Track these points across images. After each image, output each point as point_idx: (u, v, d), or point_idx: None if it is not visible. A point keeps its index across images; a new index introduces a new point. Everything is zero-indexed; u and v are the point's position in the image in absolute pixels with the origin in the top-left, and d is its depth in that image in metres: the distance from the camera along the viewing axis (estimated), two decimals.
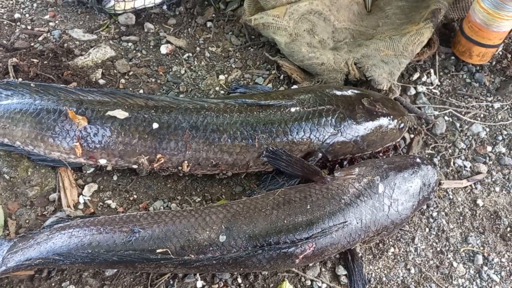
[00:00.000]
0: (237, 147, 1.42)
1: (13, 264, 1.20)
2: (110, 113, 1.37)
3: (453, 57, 1.96)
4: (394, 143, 1.61)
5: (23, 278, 1.27)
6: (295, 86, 1.76)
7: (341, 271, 1.40)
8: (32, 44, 1.76)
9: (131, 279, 1.30)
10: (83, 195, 1.43)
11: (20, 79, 1.52)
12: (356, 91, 1.58)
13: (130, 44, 1.84)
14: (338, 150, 1.50)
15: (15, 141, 1.41)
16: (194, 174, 1.50)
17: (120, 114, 1.37)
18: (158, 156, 1.39)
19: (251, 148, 1.42)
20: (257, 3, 1.78)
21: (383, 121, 1.53)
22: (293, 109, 1.46)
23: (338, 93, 1.55)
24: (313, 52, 1.70)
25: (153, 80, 1.75)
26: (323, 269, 1.41)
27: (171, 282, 1.32)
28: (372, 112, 1.52)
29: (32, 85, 1.45)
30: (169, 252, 1.19)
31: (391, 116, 1.55)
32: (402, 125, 1.57)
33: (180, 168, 1.43)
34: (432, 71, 1.91)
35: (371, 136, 1.51)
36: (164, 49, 1.83)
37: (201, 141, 1.40)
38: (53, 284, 1.27)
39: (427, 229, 1.53)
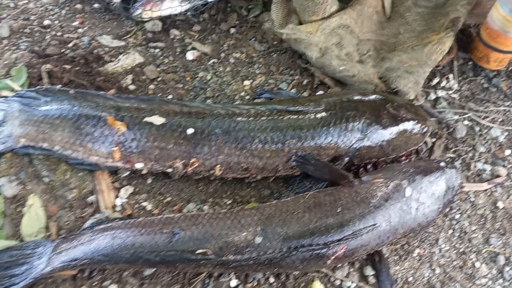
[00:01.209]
0: (267, 152, 1.47)
1: (59, 264, 1.25)
2: (147, 119, 1.42)
3: (470, 63, 2.01)
4: (417, 147, 1.66)
5: (66, 278, 1.32)
6: (320, 92, 1.81)
7: (369, 271, 1.45)
8: (63, 50, 1.81)
9: (169, 278, 1.36)
10: (119, 198, 1.49)
11: (59, 86, 1.57)
12: (380, 97, 1.63)
13: (157, 50, 1.89)
14: (364, 155, 1.55)
15: (54, 146, 1.46)
16: (225, 178, 1.54)
17: (157, 120, 1.42)
18: (192, 160, 1.45)
19: (281, 152, 1.47)
20: (285, 13, 1.82)
21: (407, 126, 1.58)
22: (321, 115, 1.51)
23: (364, 98, 1.60)
24: (343, 64, 1.76)
25: (181, 85, 1.80)
26: (351, 270, 1.46)
27: (207, 281, 1.37)
28: (397, 118, 1.57)
29: (71, 91, 1.51)
30: (209, 252, 1.24)
31: (415, 121, 1.60)
32: (425, 129, 1.62)
33: (212, 172, 1.48)
34: (451, 76, 1.96)
35: (396, 141, 1.56)
36: (190, 55, 1.88)
37: (233, 146, 1.45)
38: (95, 283, 1.32)
39: (450, 231, 1.58)
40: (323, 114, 1.51)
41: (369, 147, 1.53)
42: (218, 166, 1.46)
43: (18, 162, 1.50)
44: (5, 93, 1.56)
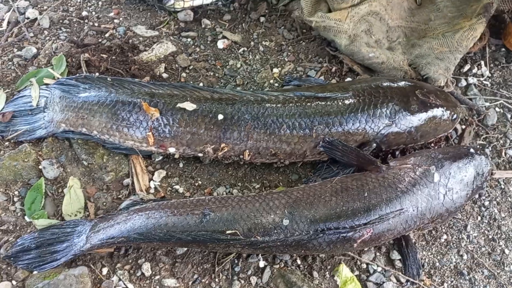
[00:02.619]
0: (295, 138, 1.50)
1: (97, 242, 1.32)
2: (180, 105, 1.48)
3: (503, 49, 1.98)
4: (446, 133, 1.66)
5: (104, 255, 1.39)
6: (349, 79, 1.82)
7: (395, 255, 1.47)
8: (100, 40, 1.89)
9: (200, 258, 1.41)
10: (153, 181, 1.55)
11: (97, 74, 1.65)
12: (409, 83, 1.63)
13: (189, 39, 1.95)
14: (392, 141, 1.56)
15: (92, 131, 1.54)
16: (254, 163, 1.59)
17: (189, 106, 1.47)
18: (222, 145, 1.49)
19: (309, 138, 1.50)
20: (315, 1, 1.83)
21: (437, 112, 1.58)
22: (349, 101, 1.53)
23: (393, 85, 1.61)
24: (372, 52, 1.76)
25: (212, 73, 1.85)
26: (377, 254, 1.48)
27: (236, 262, 1.42)
28: (426, 104, 1.57)
29: (108, 79, 1.58)
30: (238, 233, 1.29)
31: (444, 108, 1.59)
32: (454, 116, 1.61)
33: (241, 156, 1.53)
34: (482, 62, 1.93)
35: (424, 127, 1.57)
36: (220, 44, 1.93)
37: (262, 131, 1.49)
38: (130, 261, 1.39)
39: (479, 217, 1.57)
40: (351, 100, 1.53)
41: (398, 133, 1.54)
42: (247, 151, 1.51)
43: (59, 146, 1.59)
44: (47, 81, 1.65)
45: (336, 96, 1.53)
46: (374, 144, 1.54)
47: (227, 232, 1.30)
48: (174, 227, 1.31)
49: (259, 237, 1.30)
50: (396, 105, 1.54)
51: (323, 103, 1.52)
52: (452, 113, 1.61)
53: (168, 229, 1.30)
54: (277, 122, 1.49)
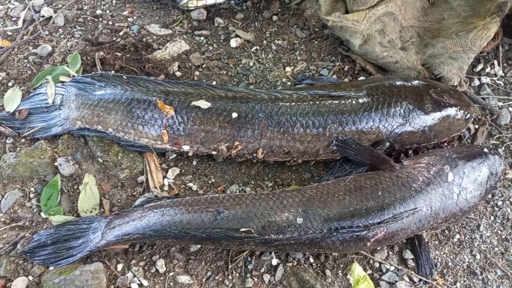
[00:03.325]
0: (309, 136, 1.51)
1: (112, 238, 1.34)
2: (194, 103, 1.49)
3: None
4: (459, 133, 1.65)
5: (119, 251, 1.41)
6: (362, 78, 1.82)
7: (408, 255, 1.47)
8: (114, 38, 1.90)
9: (213, 255, 1.43)
10: (167, 178, 1.56)
11: (112, 72, 1.67)
12: (423, 82, 1.63)
13: (202, 38, 1.96)
14: (405, 140, 1.56)
15: (107, 128, 1.55)
16: (267, 161, 1.59)
17: (204, 104, 1.49)
18: (236, 143, 1.50)
19: (322, 137, 1.51)
20: (333, 0, 1.83)
21: (450, 111, 1.58)
22: (362, 100, 1.53)
23: (406, 84, 1.61)
24: (386, 51, 1.76)
25: (224, 72, 1.86)
26: (390, 253, 1.48)
27: (249, 259, 1.43)
28: (440, 103, 1.57)
29: (124, 77, 1.59)
30: (252, 231, 1.30)
31: (458, 107, 1.59)
32: (468, 115, 1.61)
33: (254, 155, 1.54)
34: (495, 62, 1.93)
35: (438, 126, 1.56)
36: (233, 43, 1.94)
37: (275, 130, 1.49)
38: (144, 257, 1.41)
39: (492, 217, 1.57)
40: (365, 99, 1.53)
41: (411, 132, 1.54)
42: (261, 149, 1.51)
43: (74, 144, 1.61)
44: (62, 78, 1.67)
45: (349, 95, 1.54)
46: (388, 143, 1.55)
47: (241, 229, 1.30)
48: (189, 224, 1.32)
49: (273, 235, 1.31)
50: (410, 104, 1.54)
51: (336, 101, 1.53)
52: (466, 112, 1.60)
53: (183, 226, 1.32)
54: (290, 121, 1.50)
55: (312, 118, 1.50)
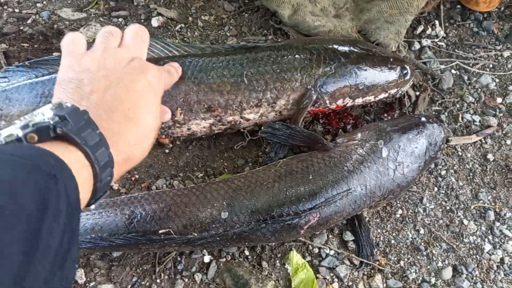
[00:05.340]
0: (227, 85, 1.38)
1: None
2: None
3: (458, 6, 1.87)
4: (398, 90, 1.53)
5: None
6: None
7: (348, 236, 1.39)
8: (21, 28, 1.72)
9: (139, 259, 1.31)
10: None
11: (16, 63, 1.50)
12: (352, 38, 1.54)
13: (120, 19, 1.79)
14: (335, 92, 1.44)
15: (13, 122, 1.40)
16: (195, 134, 1.44)
17: None
18: None
19: (241, 85, 1.38)
20: None
21: (383, 63, 1.47)
22: (284, 49, 1.44)
23: (333, 38, 1.54)
24: (318, 20, 1.63)
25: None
26: (330, 236, 1.40)
27: (179, 259, 1.32)
28: (370, 53, 1.46)
29: (26, 63, 1.43)
30: (172, 232, 1.19)
31: (391, 59, 1.49)
32: (405, 71, 1.49)
33: (175, 119, 1.39)
34: (437, 22, 1.82)
35: (371, 77, 1.45)
36: (155, 22, 1.77)
37: (190, 81, 1.36)
38: None
39: (435, 188, 1.50)
40: (287, 49, 1.44)
41: (339, 81, 1.43)
42: (179, 109, 1.38)
43: None
44: None
45: (268, 45, 1.46)
46: (315, 95, 1.42)
47: (160, 231, 1.19)
48: (102, 231, 1.20)
49: (196, 234, 1.20)
50: (337, 52, 1.44)
51: (253, 52, 1.43)
52: (402, 67, 1.49)
53: (95, 233, 1.20)
54: (205, 70, 1.38)
55: (228, 66, 1.39)
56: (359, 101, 1.49)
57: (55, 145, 0.77)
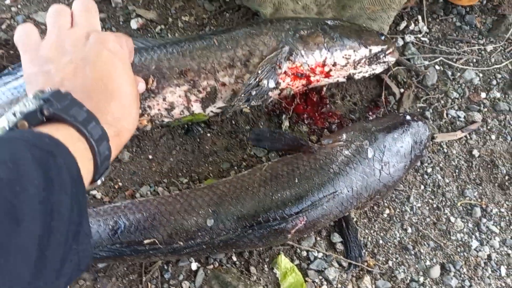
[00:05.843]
0: (198, 50, 1.38)
1: None
2: None
3: (441, 0, 1.85)
4: (381, 53, 1.49)
5: None
6: None
7: (336, 238, 1.38)
8: None
9: (125, 269, 1.29)
10: None
11: None
12: None
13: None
14: (307, 39, 1.42)
15: None
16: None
17: None
18: None
19: (212, 47, 1.39)
20: None
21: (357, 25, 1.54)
22: (256, 24, 1.47)
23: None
24: None
25: None
26: (318, 238, 1.39)
27: (165, 267, 1.30)
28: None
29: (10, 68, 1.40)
30: (157, 241, 1.17)
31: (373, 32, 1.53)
32: (383, 36, 1.51)
33: (148, 87, 1.34)
34: (420, 17, 1.81)
35: (345, 29, 1.47)
36: (134, 24, 1.73)
37: (162, 52, 1.37)
38: None
39: (422, 186, 1.49)
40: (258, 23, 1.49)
41: (311, 29, 1.44)
42: (151, 76, 1.34)
43: None
44: None
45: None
46: (287, 48, 1.40)
47: (145, 242, 1.17)
48: None
49: (181, 243, 1.18)
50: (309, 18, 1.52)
51: (225, 29, 1.48)
52: (378, 32, 1.54)
53: None
54: (178, 42, 1.41)
55: (199, 37, 1.43)
56: (338, 56, 1.43)
57: (47, 127, 0.78)
